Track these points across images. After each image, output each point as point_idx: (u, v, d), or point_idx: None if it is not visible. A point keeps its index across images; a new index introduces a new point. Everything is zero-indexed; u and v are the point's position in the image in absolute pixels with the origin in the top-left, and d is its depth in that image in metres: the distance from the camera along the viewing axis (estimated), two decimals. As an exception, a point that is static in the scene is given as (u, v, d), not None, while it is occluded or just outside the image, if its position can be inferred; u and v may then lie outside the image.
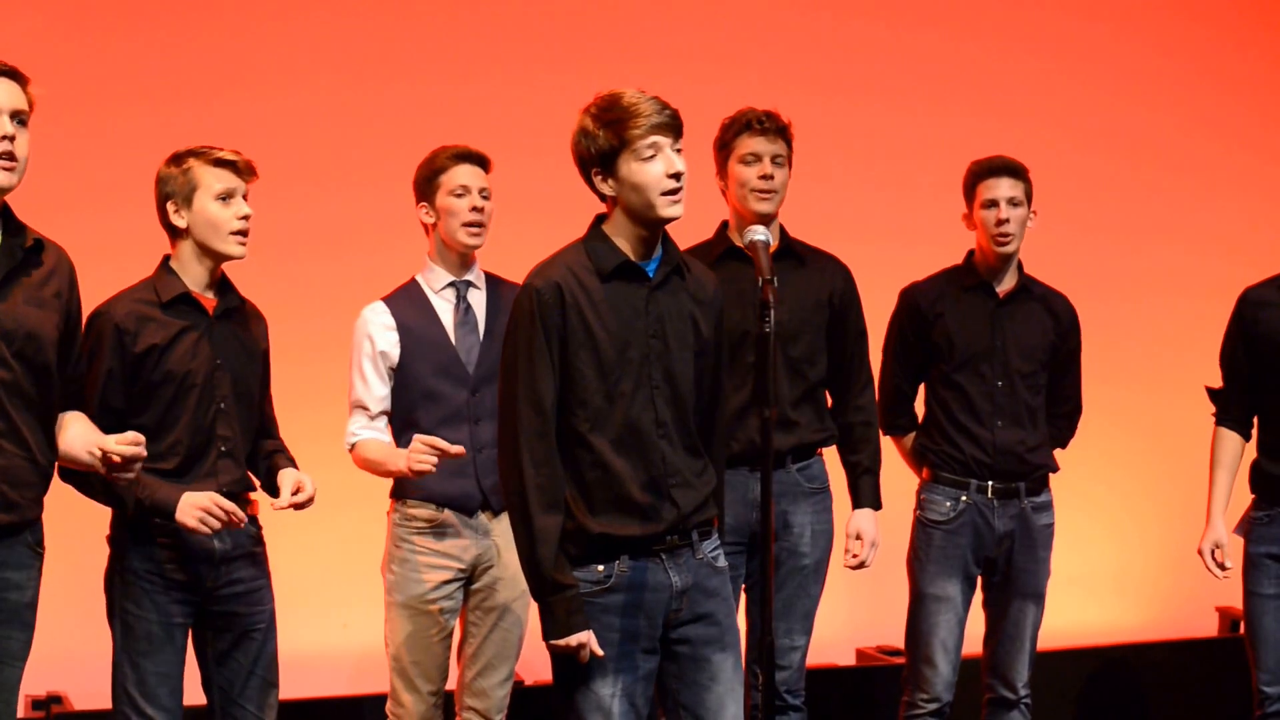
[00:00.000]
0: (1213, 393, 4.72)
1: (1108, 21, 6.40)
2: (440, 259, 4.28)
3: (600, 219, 3.45)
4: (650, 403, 3.39)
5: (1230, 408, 4.67)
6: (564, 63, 5.66)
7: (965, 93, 6.14)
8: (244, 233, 3.83)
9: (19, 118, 3.42)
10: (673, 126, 3.35)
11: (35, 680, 4.18)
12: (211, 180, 3.82)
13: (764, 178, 4.30)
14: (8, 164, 3.39)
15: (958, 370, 4.62)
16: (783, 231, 4.46)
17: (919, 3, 6.20)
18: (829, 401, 4.54)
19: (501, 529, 4.21)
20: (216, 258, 3.86)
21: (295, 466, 3.99)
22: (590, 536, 3.37)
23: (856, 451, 4.52)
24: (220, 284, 3.92)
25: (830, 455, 4.55)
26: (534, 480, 3.34)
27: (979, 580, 4.70)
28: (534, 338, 3.34)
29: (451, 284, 4.28)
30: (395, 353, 4.22)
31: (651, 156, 3.32)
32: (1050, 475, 4.74)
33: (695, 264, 3.55)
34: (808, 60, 5.98)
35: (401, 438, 4.25)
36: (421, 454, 3.98)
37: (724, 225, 4.49)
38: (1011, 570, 4.65)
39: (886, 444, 4.66)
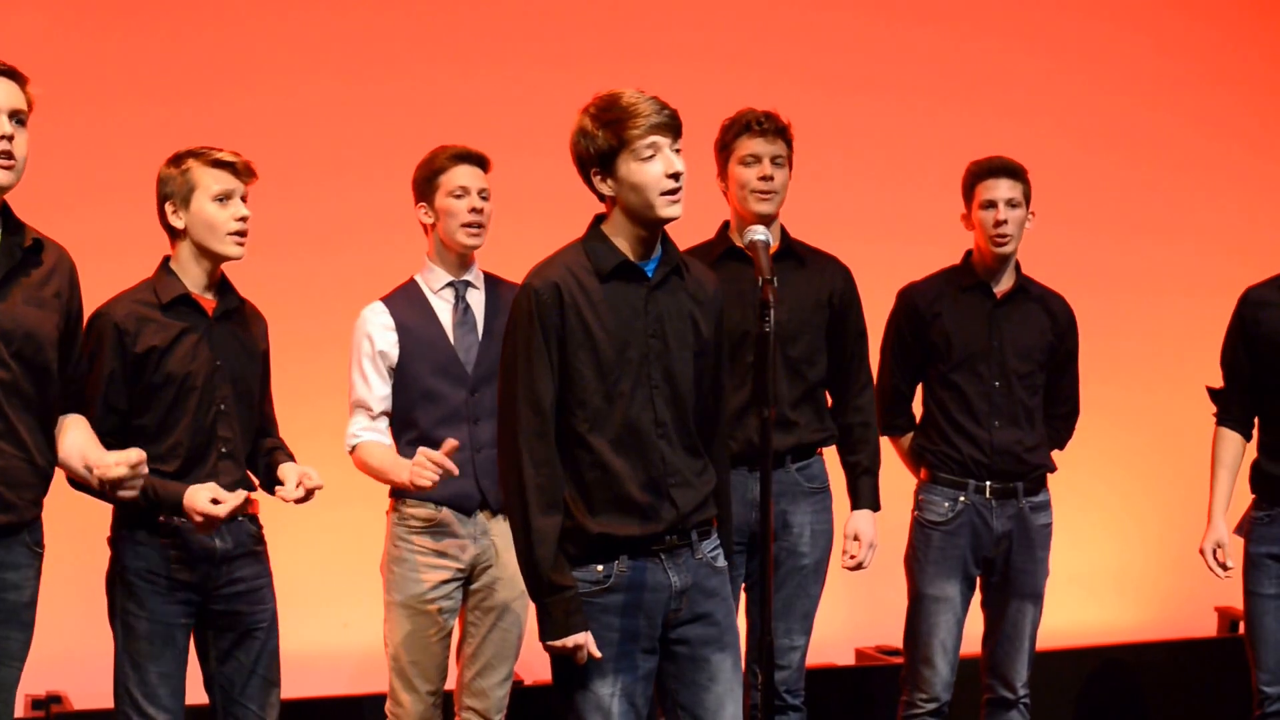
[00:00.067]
0: (1213, 393, 4.72)
1: (1108, 19, 6.41)
2: (439, 259, 4.28)
3: (599, 219, 3.45)
4: (649, 403, 3.39)
5: (1231, 408, 4.67)
6: (563, 62, 5.67)
7: (965, 91, 6.15)
8: (242, 234, 3.83)
9: (18, 117, 3.43)
10: (672, 126, 3.35)
11: (35, 680, 4.19)
12: (209, 181, 3.82)
13: (763, 179, 4.31)
14: (6, 163, 3.39)
15: (955, 370, 4.62)
16: (783, 232, 4.47)
17: (920, 1, 6.20)
18: (829, 401, 4.54)
19: (500, 529, 4.22)
20: (214, 259, 3.86)
21: (294, 462, 3.99)
22: (589, 536, 3.37)
23: (855, 452, 4.52)
24: (220, 285, 3.92)
25: (830, 455, 4.55)
26: (533, 480, 3.34)
27: (977, 580, 4.70)
28: (532, 338, 3.34)
29: (450, 284, 4.28)
30: (394, 353, 4.22)
31: (650, 156, 3.32)
32: (1048, 475, 4.73)
33: (695, 264, 3.55)
34: (807, 59, 5.98)
35: (401, 437, 4.26)
36: (424, 469, 3.99)
37: (725, 226, 4.50)
38: (1010, 570, 4.66)
39: (884, 444, 4.66)
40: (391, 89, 5.56)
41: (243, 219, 3.83)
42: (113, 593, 3.85)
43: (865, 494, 4.52)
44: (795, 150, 4.40)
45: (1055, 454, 4.80)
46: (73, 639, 4.39)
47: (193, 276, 3.87)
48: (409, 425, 4.24)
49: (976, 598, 4.73)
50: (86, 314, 3.75)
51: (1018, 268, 4.70)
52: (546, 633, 3.36)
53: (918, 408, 4.79)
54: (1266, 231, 6.45)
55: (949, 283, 4.69)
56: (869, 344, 4.60)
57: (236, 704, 3.93)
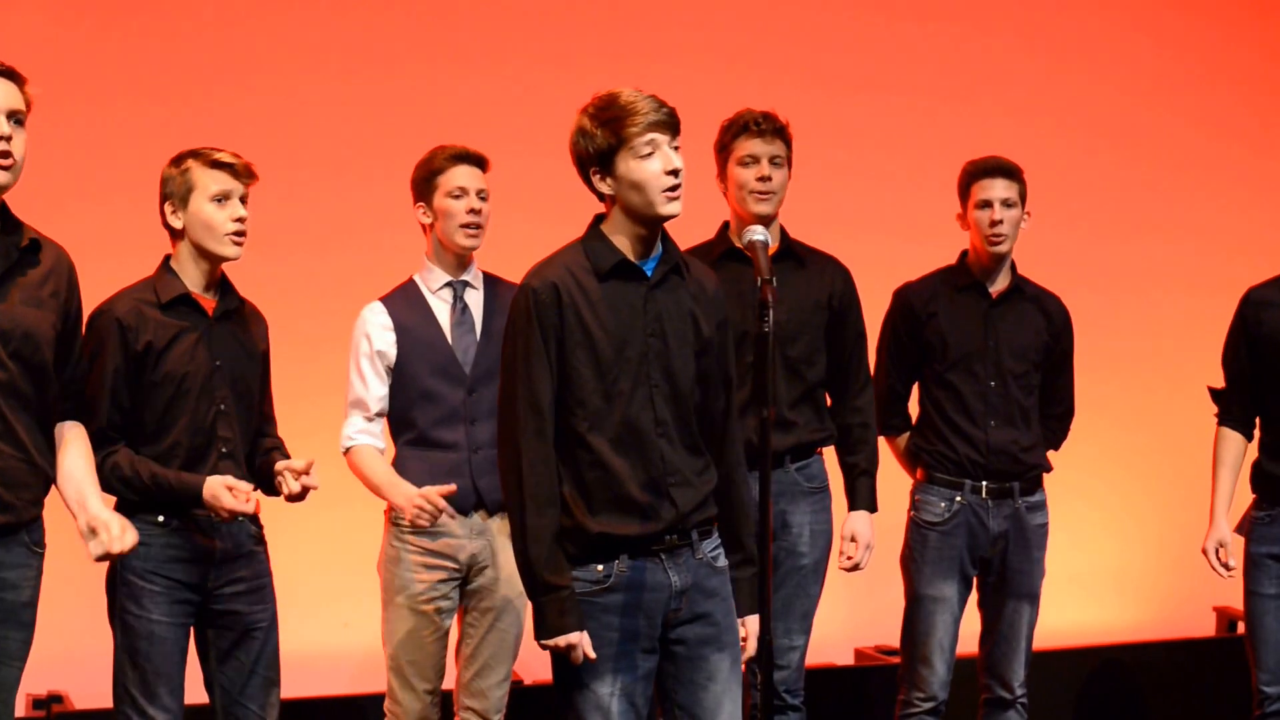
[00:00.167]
0: (1215, 393, 4.73)
1: (1108, 18, 6.41)
2: (437, 259, 4.29)
3: (599, 219, 3.45)
4: (649, 402, 3.39)
5: (1232, 408, 4.68)
6: (562, 62, 5.67)
7: (965, 90, 6.14)
8: (239, 234, 3.83)
9: (16, 117, 3.43)
10: (670, 124, 3.35)
11: (36, 679, 4.19)
12: (208, 182, 3.83)
13: (762, 179, 4.31)
14: (5, 162, 3.40)
15: (951, 370, 4.63)
16: (783, 232, 4.47)
17: (919, 0, 6.21)
18: (828, 402, 4.55)
19: (496, 529, 4.23)
20: (213, 259, 3.86)
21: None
22: (589, 536, 3.37)
23: (854, 453, 4.53)
24: (221, 285, 3.92)
25: (830, 455, 4.56)
26: (530, 480, 3.35)
27: (974, 580, 4.71)
28: (531, 338, 3.35)
29: (449, 284, 4.28)
30: (392, 353, 4.23)
31: (649, 154, 3.33)
32: (1044, 475, 4.74)
33: (695, 263, 3.55)
34: (806, 58, 5.98)
35: (399, 437, 4.27)
36: (425, 513, 4.03)
37: (725, 226, 4.50)
38: (1006, 570, 4.66)
39: (882, 444, 4.67)
40: (391, 88, 5.56)
41: (240, 220, 3.83)
42: (112, 592, 3.85)
43: (863, 495, 4.52)
44: (795, 149, 4.40)
45: (1052, 454, 4.81)
46: (74, 638, 4.39)
47: (192, 276, 3.87)
48: (407, 425, 4.25)
49: (973, 598, 4.73)
50: (86, 313, 3.75)
51: (1013, 267, 4.70)
52: (540, 631, 3.37)
53: (914, 408, 4.80)
54: (1267, 230, 6.45)
55: (944, 282, 4.70)
56: (868, 344, 4.61)
57: (236, 704, 3.93)
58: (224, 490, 3.74)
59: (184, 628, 3.86)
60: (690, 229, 3.83)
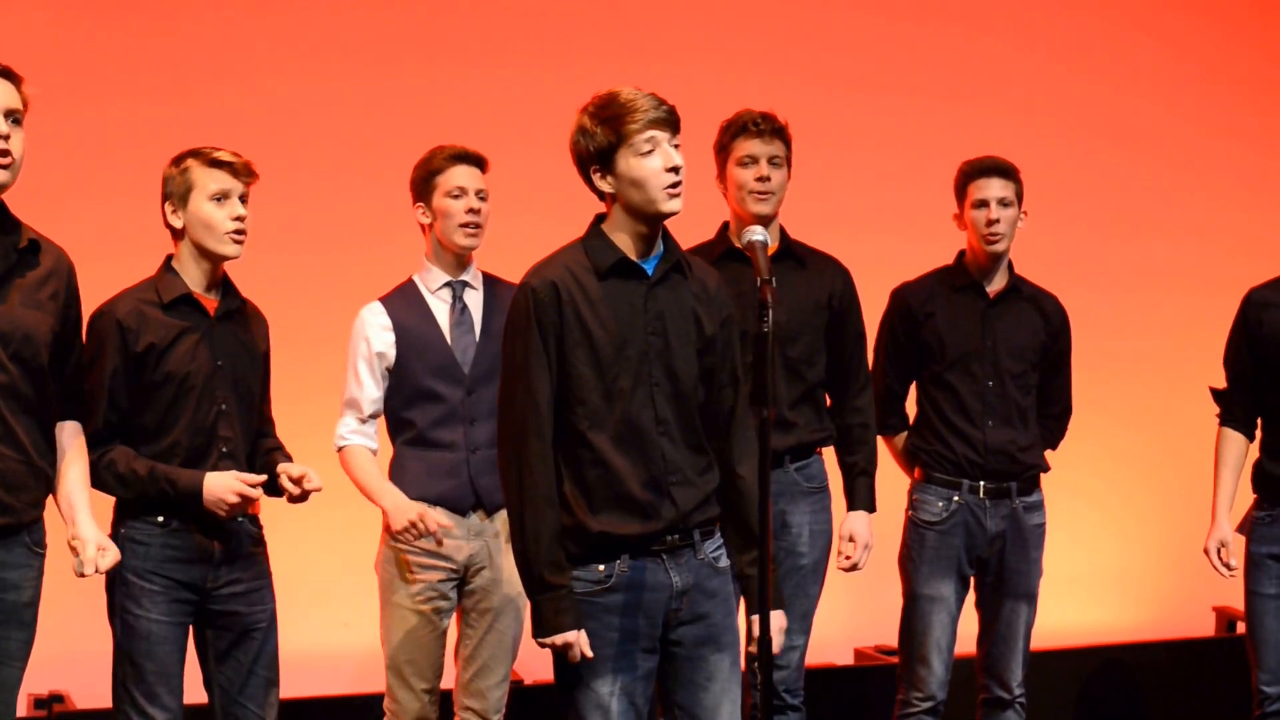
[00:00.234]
0: (1217, 393, 4.73)
1: (1108, 17, 6.41)
2: (437, 259, 4.29)
3: (600, 219, 3.46)
4: (650, 400, 3.40)
5: (1234, 408, 4.68)
6: (562, 61, 5.67)
7: (965, 89, 6.14)
8: (239, 233, 3.83)
9: (13, 116, 3.43)
10: (670, 122, 3.36)
11: (37, 679, 4.19)
12: (207, 181, 3.83)
13: (760, 179, 4.32)
14: (3, 161, 3.40)
15: (949, 370, 4.63)
16: (783, 233, 4.48)
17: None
18: (828, 402, 4.55)
19: (494, 530, 4.23)
20: (213, 258, 3.87)
21: (292, 463, 4.00)
22: (590, 535, 3.37)
23: (853, 453, 4.53)
24: (223, 285, 3.93)
25: (829, 455, 4.56)
26: (529, 479, 3.35)
27: (971, 580, 4.71)
28: (530, 337, 3.36)
29: (448, 284, 4.29)
30: (392, 354, 4.23)
31: (649, 151, 3.33)
32: (1041, 475, 4.74)
33: (697, 261, 3.56)
34: (805, 57, 5.98)
35: (397, 437, 4.28)
36: (412, 537, 4.09)
37: (724, 226, 4.51)
38: (1004, 571, 4.66)
39: (880, 444, 4.67)
40: (390, 88, 5.56)
41: (239, 219, 3.84)
42: (112, 592, 3.86)
43: (861, 495, 4.53)
44: (794, 149, 4.40)
45: (1051, 454, 4.81)
46: (75, 638, 4.40)
47: (194, 276, 3.88)
48: (405, 425, 4.25)
49: (971, 598, 4.74)
50: (87, 313, 3.75)
51: (1010, 267, 4.71)
52: (538, 629, 3.38)
53: (911, 407, 4.80)
54: (1268, 229, 6.46)
55: (942, 282, 4.70)
56: (868, 345, 4.61)
57: (235, 704, 3.93)
58: (229, 492, 3.74)
59: (183, 627, 3.87)
60: (690, 229, 3.84)
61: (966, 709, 4.88)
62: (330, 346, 4.50)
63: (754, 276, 3.34)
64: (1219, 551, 4.65)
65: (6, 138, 3.40)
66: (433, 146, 4.29)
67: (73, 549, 3.53)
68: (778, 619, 3.52)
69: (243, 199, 3.86)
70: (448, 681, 4.34)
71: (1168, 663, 5.94)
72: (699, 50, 5.83)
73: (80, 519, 3.58)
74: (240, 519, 3.88)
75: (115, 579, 3.84)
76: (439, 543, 4.15)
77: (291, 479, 3.86)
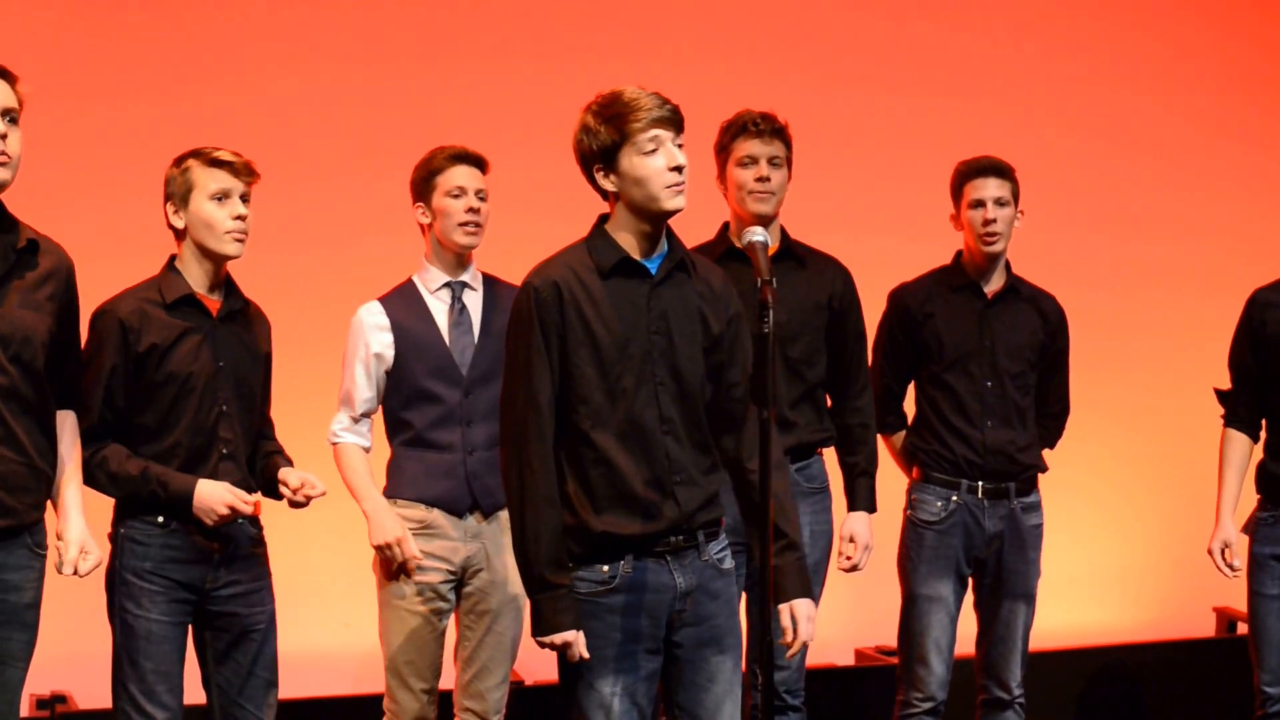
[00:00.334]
0: (1221, 394, 4.73)
1: (1109, 16, 6.40)
2: (436, 259, 4.29)
3: (604, 219, 3.46)
4: (654, 399, 3.39)
5: (1238, 409, 4.68)
6: (562, 61, 5.67)
7: (966, 88, 6.14)
8: (239, 233, 3.84)
9: (10, 115, 3.43)
10: (673, 121, 3.36)
11: (39, 680, 4.20)
12: (207, 181, 3.83)
13: (760, 180, 4.32)
14: (2, 160, 3.40)
15: (947, 370, 4.64)
16: (783, 233, 4.48)
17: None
18: (828, 402, 4.55)
19: (491, 532, 4.24)
20: (215, 258, 3.87)
21: (292, 466, 4.01)
22: (593, 535, 3.37)
23: (853, 453, 4.54)
24: (225, 285, 3.93)
25: (830, 456, 4.56)
26: (530, 479, 3.35)
27: (970, 580, 4.72)
28: (532, 336, 3.36)
29: (447, 284, 4.29)
30: (389, 354, 4.23)
31: (653, 150, 3.33)
32: (1039, 475, 4.75)
33: (702, 260, 3.56)
34: (804, 56, 5.98)
35: (395, 438, 4.28)
36: (393, 554, 4.12)
37: (725, 227, 4.51)
38: (1002, 571, 4.67)
39: (880, 443, 4.67)
40: (390, 87, 5.57)
41: (240, 218, 3.84)
42: (112, 591, 3.86)
43: (862, 496, 4.53)
44: (795, 148, 4.40)
45: (1051, 454, 4.82)
46: (77, 639, 4.40)
47: (196, 276, 3.88)
48: (403, 426, 4.25)
49: (969, 598, 4.74)
50: (87, 311, 3.76)
51: (1008, 267, 4.71)
52: (537, 628, 3.38)
53: (909, 406, 4.80)
54: (1269, 228, 6.46)
55: (939, 283, 4.71)
56: (868, 345, 4.62)
57: (234, 704, 3.93)
58: (220, 503, 3.75)
59: (182, 627, 3.87)
60: (690, 229, 3.84)
61: (966, 709, 4.88)
62: (330, 345, 4.50)
63: (754, 277, 3.34)
64: (1223, 552, 4.64)
65: (4, 137, 3.40)
66: (433, 147, 4.30)
67: (69, 552, 3.55)
68: (806, 607, 3.48)
69: (244, 198, 3.86)
70: (447, 681, 4.34)
71: (1168, 663, 5.94)
72: (699, 49, 5.83)
73: (70, 517, 3.60)
74: (240, 520, 3.89)
75: (115, 579, 3.85)
76: (409, 573, 4.15)
77: (290, 488, 3.87)
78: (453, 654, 4.34)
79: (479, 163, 4.27)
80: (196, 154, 3.87)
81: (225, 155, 3.86)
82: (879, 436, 4.73)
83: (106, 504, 3.87)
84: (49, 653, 3.76)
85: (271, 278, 4.60)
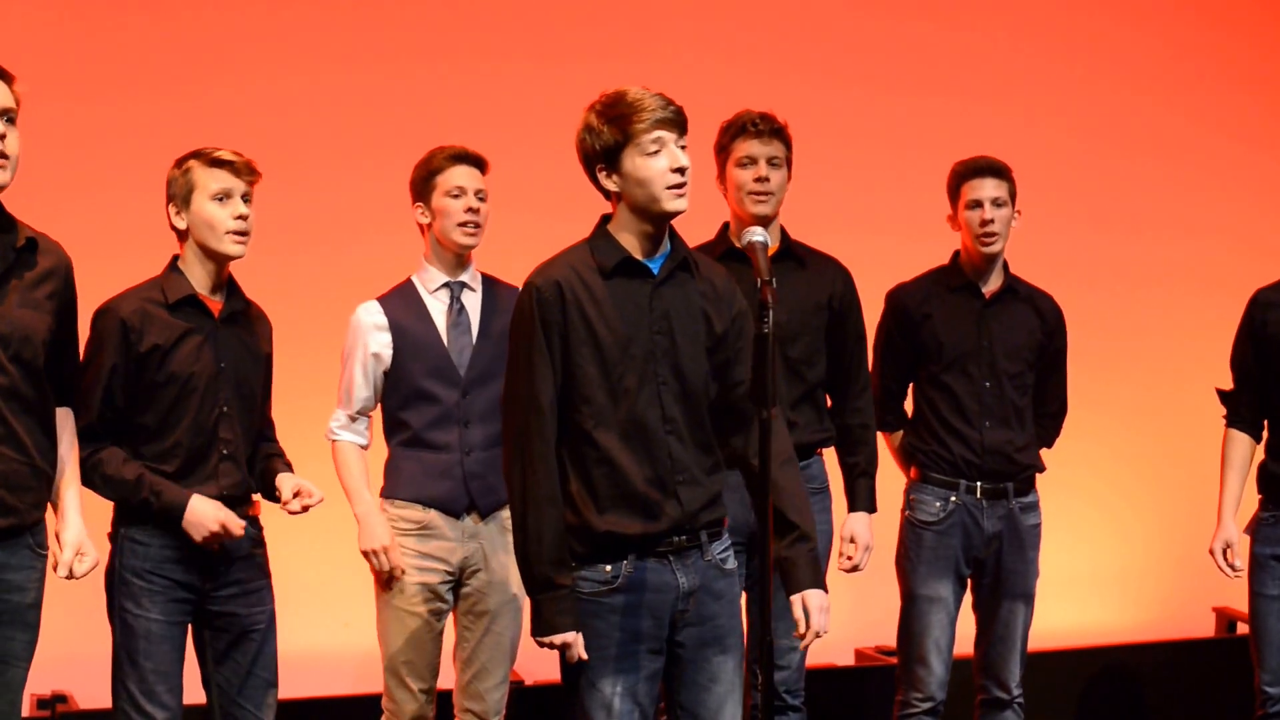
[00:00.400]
0: (1223, 395, 4.73)
1: (1108, 14, 6.40)
2: (435, 259, 4.29)
3: (606, 219, 3.46)
4: (656, 399, 3.40)
5: (1240, 409, 4.68)
6: (562, 60, 5.67)
7: (966, 86, 6.14)
8: (241, 232, 3.84)
9: (7, 116, 3.43)
10: (677, 122, 3.36)
11: (40, 679, 4.20)
12: (208, 181, 3.83)
13: (759, 180, 4.32)
14: (1, 161, 3.41)
15: (945, 371, 4.64)
16: (783, 233, 4.48)
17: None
18: (828, 402, 4.55)
19: (488, 533, 4.24)
20: (218, 259, 3.87)
21: (291, 470, 4.01)
22: (596, 535, 3.38)
23: (853, 454, 4.54)
24: (228, 286, 3.93)
25: (830, 456, 4.56)
26: (531, 478, 3.36)
27: (968, 581, 4.72)
28: (534, 336, 3.36)
29: (446, 285, 4.29)
30: (387, 354, 4.23)
31: (656, 151, 3.34)
32: (1037, 475, 4.75)
33: (705, 260, 3.56)
34: (806, 55, 5.98)
35: (392, 437, 4.28)
36: (378, 560, 4.15)
37: (725, 227, 4.51)
38: (1001, 571, 4.67)
39: (880, 443, 4.67)
40: (389, 86, 5.56)
41: (241, 218, 3.84)
42: (111, 591, 3.86)
43: (862, 496, 4.54)
44: (795, 147, 4.40)
45: (1051, 453, 4.82)
46: (78, 639, 4.40)
47: (198, 277, 3.88)
48: (400, 426, 4.25)
49: (968, 599, 4.74)
50: (86, 310, 3.76)
51: (1006, 267, 4.71)
52: (537, 628, 3.39)
53: (908, 406, 4.80)
54: (1270, 227, 6.46)
55: (937, 283, 4.71)
56: (868, 346, 4.62)
57: (234, 704, 3.94)
58: (212, 521, 3.76)
59: (181, 626, 3.87)
60: (691, 229, 3.84)
61: (965, 710, 4.88)
62: (329, 344, 4.50)
63: (754, 277, 3.34)
64: (1224, 553, 4.64)
65: (3, 138, 3.40)
66: (433, 147, 4.30)
67: (58, 543, 3.56)
68: (819, 598, 3.46)
69: (245, 198, 3.86)
70: (445, 681, 4.35)
71: (1168, 663, 5.94)
72: (698, 48, 5.83)
73: (69, 518, 3.60)
74: (224, 545, 3.88)
75: (115, 579, 3.85)
76: (397, 577, 4.17)
77: (283, 499, 3.88)
78: (452, 655, 4.34)
79: (479, 163, 4.27)
80: (197, 154, 3.87)
81: (226, 155, 3.86)
82: (879, 434, 4.73)
83: (107, 504, 3.87)
84: (49, 653, 3.76)
85: (270, 277, 4.60)
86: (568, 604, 3.36)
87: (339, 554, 5.12)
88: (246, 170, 3.87)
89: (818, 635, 3.45)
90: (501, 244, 4.49)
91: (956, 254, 4.72)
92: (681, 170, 3.35)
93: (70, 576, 3.60)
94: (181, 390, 3.82)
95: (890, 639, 4.89)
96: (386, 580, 4.21)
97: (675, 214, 3.39)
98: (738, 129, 4.36)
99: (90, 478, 3.78)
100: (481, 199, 4.24)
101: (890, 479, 4.71)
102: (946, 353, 4.64)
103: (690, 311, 3.44)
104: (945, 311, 4.65)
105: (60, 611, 3.80)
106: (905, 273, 4.79)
